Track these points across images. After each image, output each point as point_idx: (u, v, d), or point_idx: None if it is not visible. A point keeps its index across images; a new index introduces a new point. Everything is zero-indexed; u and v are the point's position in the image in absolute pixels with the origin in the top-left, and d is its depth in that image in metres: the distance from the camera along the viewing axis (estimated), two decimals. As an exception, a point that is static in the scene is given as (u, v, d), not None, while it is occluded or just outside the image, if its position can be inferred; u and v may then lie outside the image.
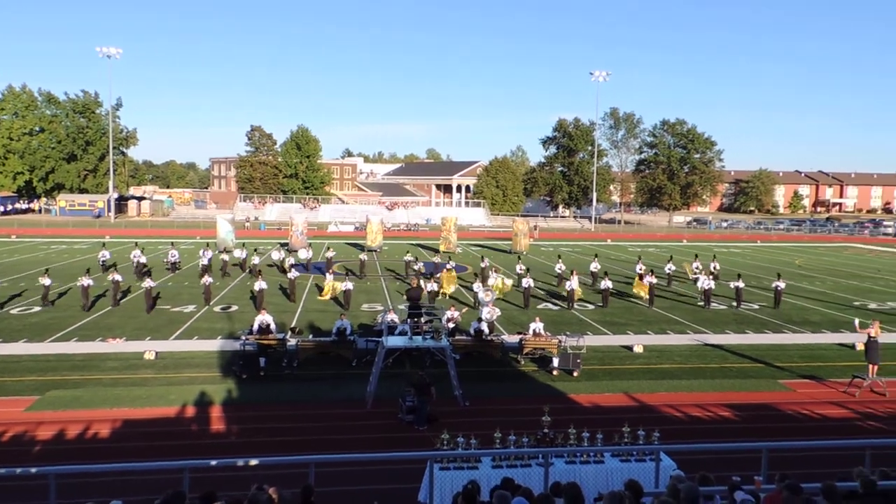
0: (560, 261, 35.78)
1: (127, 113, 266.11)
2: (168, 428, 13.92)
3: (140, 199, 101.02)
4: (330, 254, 37.37)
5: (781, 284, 29.44)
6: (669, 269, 34.65)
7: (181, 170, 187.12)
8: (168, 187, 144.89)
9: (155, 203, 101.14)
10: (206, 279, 27.95)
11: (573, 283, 28.21)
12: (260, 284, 26.43)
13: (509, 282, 28.67)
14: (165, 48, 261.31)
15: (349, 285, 27.43)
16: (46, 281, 26.57)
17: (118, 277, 27.05)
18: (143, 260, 35.08)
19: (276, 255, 38.12)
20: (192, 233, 64.16)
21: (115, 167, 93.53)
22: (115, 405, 15.12)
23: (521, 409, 14.53)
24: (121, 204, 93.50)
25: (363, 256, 37.02)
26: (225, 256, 35.87)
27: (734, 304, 29.06)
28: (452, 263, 33.57)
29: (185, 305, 27.16)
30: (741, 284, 29.46)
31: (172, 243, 41.68)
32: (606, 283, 29.23)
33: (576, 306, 28.08)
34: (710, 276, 31.30)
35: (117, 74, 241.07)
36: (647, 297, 29.02)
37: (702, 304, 29.06)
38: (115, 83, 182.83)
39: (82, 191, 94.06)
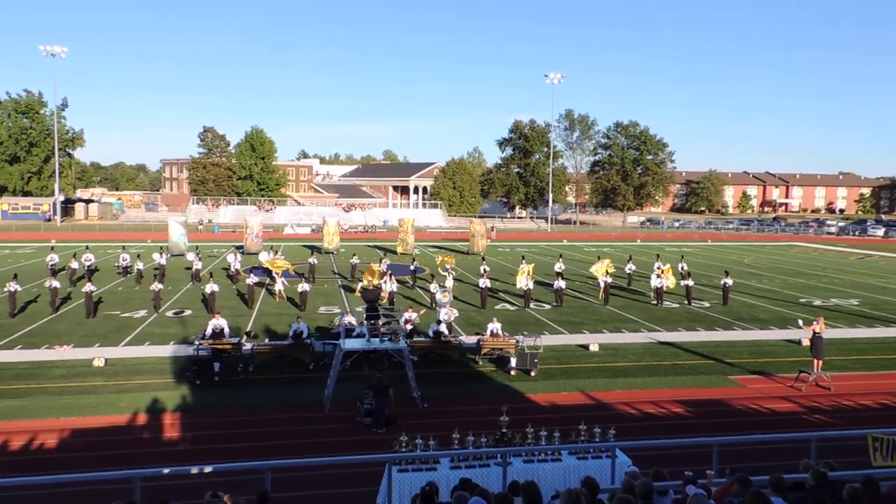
0: (524, 261, 35.95)
1: (73, 113, 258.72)
2: (119, 436, 13.56)
3: (88, 201, 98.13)
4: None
5: (729, 281, 30.36)
6: (629, 269, 35.20)
7: (131, 171, 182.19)
8: (117, 189, 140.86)
9: (104, 206, 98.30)
10: (157, 285, 27.22)
11: (529, 283, 28.57)
12: (211, 287, 25.94)
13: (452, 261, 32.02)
14: (113, 47, 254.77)
15: (305, 287, 27.15)
16: None
17: (56, 284, 26.28)
18: (74, 266, 33.24)
19: (231, 258, 37.37)
20: (143, 236, 62.61)
21: (61, 169, 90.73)
22: (62, 414, 14.67)
23: (479, 410, 14.59)
24: (67, 207, 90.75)
25: (313, 260, 36.46)
26: (163, 260, 34.88)
27: (686, 301, 29.76)
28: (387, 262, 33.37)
29: (135, 311, 26.48)
30: (691, 283, 30.26)
31: (123, 247, 40.65)
32: (560, 284, 29.63)
33: (532, 306, 28.36)
34: (660, 276, 31.86)
35: (62, 74, 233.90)
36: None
37: (655, 302, 29.67)
38: (61, 83, 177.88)
39: (26, 193, 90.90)
